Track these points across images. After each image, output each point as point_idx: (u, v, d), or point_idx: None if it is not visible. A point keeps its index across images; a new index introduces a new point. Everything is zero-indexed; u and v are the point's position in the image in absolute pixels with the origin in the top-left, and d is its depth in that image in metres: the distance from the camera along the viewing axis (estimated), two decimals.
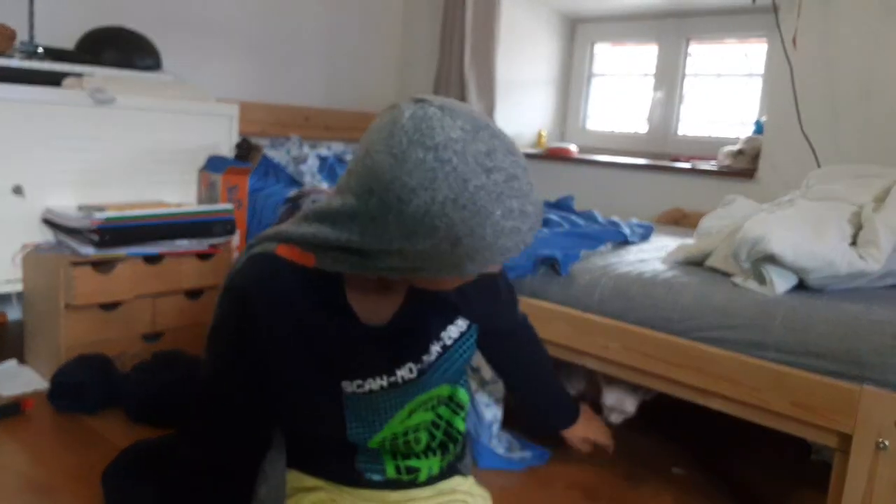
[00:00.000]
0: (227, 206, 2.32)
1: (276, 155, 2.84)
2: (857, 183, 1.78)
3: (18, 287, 2.11)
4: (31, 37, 2.28)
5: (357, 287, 0.91)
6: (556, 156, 3.39)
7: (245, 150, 2.65)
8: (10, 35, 2.13)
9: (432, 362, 0.97)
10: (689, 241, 1.95)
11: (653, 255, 1.90)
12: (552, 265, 1.79)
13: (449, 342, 0.99)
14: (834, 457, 1.35)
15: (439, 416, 1.02)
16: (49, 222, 2.10)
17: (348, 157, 3.19)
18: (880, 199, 1.67)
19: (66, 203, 2.13)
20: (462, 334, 1.01)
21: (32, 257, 2.07)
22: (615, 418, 1.86)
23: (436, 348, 0.98)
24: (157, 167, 2.35)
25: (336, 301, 0.90)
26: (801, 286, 1.53)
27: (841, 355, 1.33)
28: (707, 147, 3.18)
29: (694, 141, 3.30)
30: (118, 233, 2.02)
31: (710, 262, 1.73)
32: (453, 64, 3.41)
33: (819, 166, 2.43)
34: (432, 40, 3.58)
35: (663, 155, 3.28)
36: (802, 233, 1.50)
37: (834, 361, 1.33)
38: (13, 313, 2.32)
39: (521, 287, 1.81)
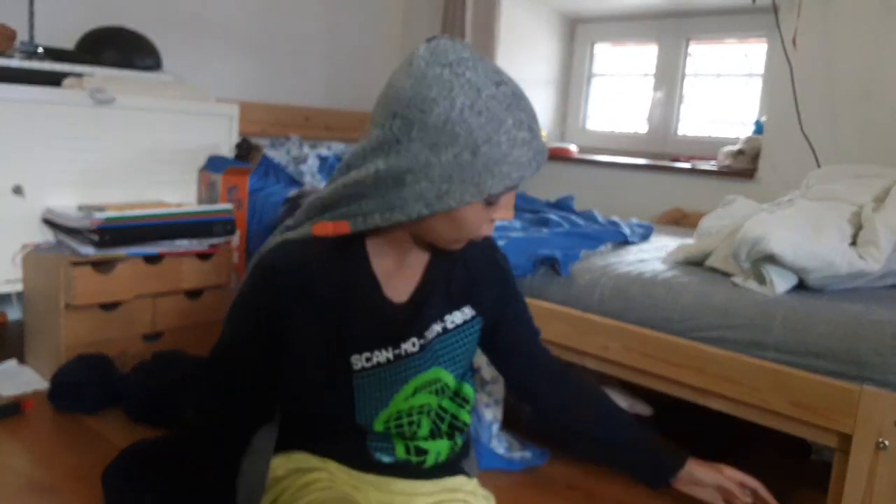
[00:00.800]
0: (227, 206, 2.32)
1: (276, 155, 2.84)
2: (856, 183, 1.78)
3: (18, 287, 2.11)
4: (32, 37, 2.28)
5: (381, 261, 0.96)
6: (556, 156, 3.39)
7: (245, 150, 2.65)
8: (11, 35, 2.13)
9: (431, 339, 1.00)
10: (689, 241, 1.95)
11: (653, 255, 1.90)
12: (552, 265, 1.79)
13: (451, 326, 1.02)
14: (834, 457, 1.35)
15: (443, 409, 1.04)
16: (49, 222, 2.10)
17: None
18: (880, 199, 1.67)
19: (67, 203, 2.13)
20: (465, 322, 1.04)
21: (32, 257, 2.07)
22: None
23: (437, 327, 1.01)
24: (157, 167, 2.36)
25: (363, 273, 0.95)
26: (801, 286, 1.53)
27: (841, 355, 1.33)
28: (707, 147, 3.18)
29: (694, 141, 3.31)
30: (118, 233, 2.02)
31: (710, 262, 1.73)
32: None
33: (819, 166, 2.43)
34: None
35: (663, 155, 3.28)
36: (802, 233, 1.50)
37: (834, 361, 1.33)
38: (13, 313, 2.32)
39: (521, 287, 1.80)
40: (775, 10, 2.59)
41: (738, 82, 3.25)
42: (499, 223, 2.11)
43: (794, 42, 2.54)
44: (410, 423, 1.01)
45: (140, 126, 2.28)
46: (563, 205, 2.45)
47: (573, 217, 2.26)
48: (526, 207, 2.43)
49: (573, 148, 3.47)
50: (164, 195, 2.38)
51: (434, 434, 1.03)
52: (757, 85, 3.16)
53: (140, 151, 2.30)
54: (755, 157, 2.79)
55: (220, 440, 0.98)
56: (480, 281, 1.05)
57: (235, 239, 2.38)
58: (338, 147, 3.20)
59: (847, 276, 1.51)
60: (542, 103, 3.77)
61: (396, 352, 0.97)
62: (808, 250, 1.47)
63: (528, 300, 1.77)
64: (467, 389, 1.06)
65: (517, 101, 0.85)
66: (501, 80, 0.85)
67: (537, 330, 1.17)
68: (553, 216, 2.21)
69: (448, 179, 0.83)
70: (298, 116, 3.26)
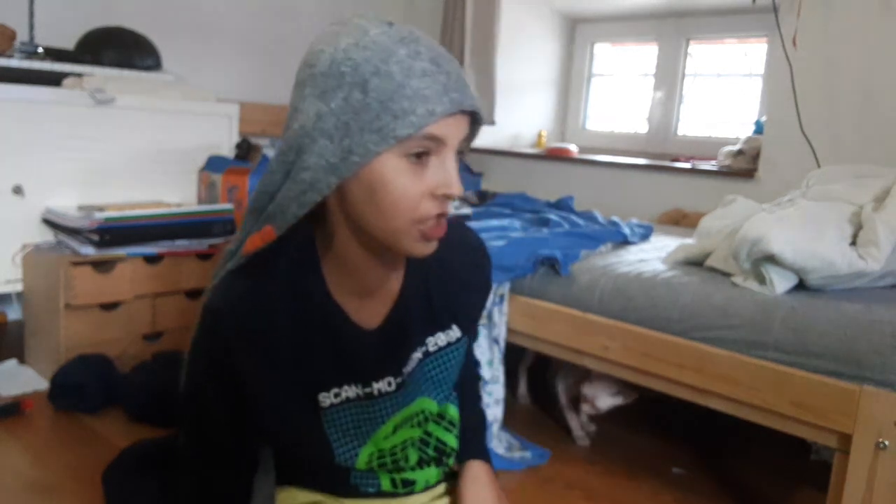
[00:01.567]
0: (227, 206, 2.32)
1: None
2: (856, 183, 1.78)
3: (18, 287, 2.11)
4: (32, 37, 2.28)
5: (341, 282, 0.84)
6: (556, 156, 3.39)
7: (245, 150, 2.65)
8: (11, 35, 2.14)
9: (411, 372, 0.90)
10: (689, 241, 1.95)
11: (653, 255, 1.90)
12: (552, 265, 1.79)
13: (433, 349, 0.92)
14: (834, 456, 1.34)
15: (428, 434, 0.95)
16: (49, 222, 2.10)
17: None
18: (880, 199, 1.67)
19: (66, 203, 2.14)
20: (450, 343, 0.94)
21: (32, 257, 2.07)
22: (587, 409, 1.87)
23: (417, 355, 0.90)
24: (157, 167, 2.36)
25: (321, 300, 0.84)
26: (801, 286, 1.53)
27: (841, 355, 1.33)
28: (707, 147, 3.18)
29: (694, 141, 3.31)
30: (118, 233, 2.02)
31: (710, 262, 1.73)
32: None
33: (819, 166, 2.43)
34: (432, 39, 3.58)
35: (663, 155, 3.28)
36: (802, 233, 1.50)
37: (834, 361, 1.33)
38: (13, 313, 2.32)
39: (521, 287, 1.81)
40: (775, 9, 2.59)
41: (738, 82, 3.25)
42: (497, 223, 2.11)
43: (794, 42, 2.54)
44: (395, 460, 0.93)
45: (140, 126, 2.29)
46: (563, 205, 2.45)
47: (573, 217, 2.26)
48: (526, 207, 2.43)
49: (573, 148, 3.47)
50: (164, 195, 2.38)
51: (422, 462, 0.95)
52: (757, 85, 3.16)
53: (140, 151, 2.31)
54: (755, 157, 2.79)
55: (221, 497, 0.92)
56: (465, 293, 0.94)
57: None
58: None
59: (847, 276, 1.51)
60: (542, 103, 3.77)
61: (367, 389, 0.87)
62: (808, 250, 1.47)
63: (528, 300, 1.78)
64: (452, 411, 0.96)
65: (413, 38, 0.74)
66: (395, 25, 0.75)
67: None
68: (553, 216, 2.21)
69: (346, 129, 0.72)
70: None
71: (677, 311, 1.55)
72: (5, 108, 1.99)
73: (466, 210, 2.54)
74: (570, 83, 3.81)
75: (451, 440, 0.96)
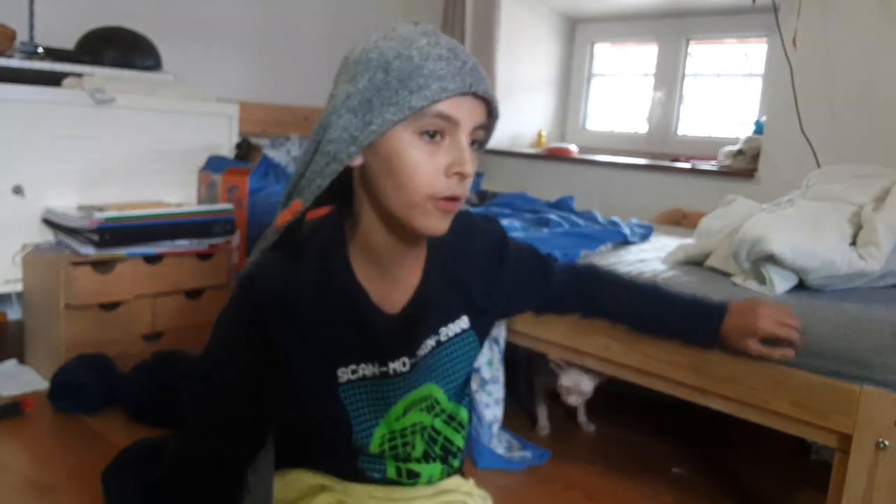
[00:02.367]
0: (227, 206, 2.32)
1: (277, 155, 2.84)
2: (856, 183, 1.78)
3: (18, 287, 2.12)
4: (32, 37, 2.28)
5: (366, 267, 0.90)
6: (556, 156, 3.39)
7: (245, 150, 2.65)
8: (11, 35, 2.14)
9: (424, 356, 0.95)
10: (689, 241, 1.95)
11: (653, 255, 1.90)
12: None
13: (444, 338, 0.97)
14: (834, 456, 1.34)
15: (436, 431, 1.00)
16: (49, 222, 2.10)
17: None
18: (880, 199, 1.67)
19: (67, 203, 2.14)
20: (457, 334, 0.98)
21: (32, 257, 2.08)
22: (574, 400, 1.86)
23: (430, 342, 0.96)
24: (157, 167, 2.36)
25: (346, 281, 0.89)
26: (801, 286, 1.53)
27: (841, 355, 1.32)
28: (707, 147, 3.18)
29: (694, 141, 3.31)
30: (118, 233, 2.02)
31: (710, 263, 1.73)
32: None
33: (819, 166, 2.43)
34: None
35: (663, 155, 3.28)
36: (802, 233, 1.50)
37: (834, 361, 1.33)
38: (13, 313, 2.32)
39: None
40: (775, 10, 2.59)
41: (738, 82, 3.25)
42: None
43: (794, 42, 2.54)
44: (405, 445, 0.97)
45: (140, 126, 2.29)
46: (563, 205, 2.45)
47: (573, 217, 2.26)
48: (526, 207, 2.43)
49: (573, 148, 3.47)
50: (164, 195, 2.38)
51: (427, 457, 1.00)
52: (757, 85, 3.16)
53: (140, 151, 2.31)
54: (755, 157, 2.79)
55: (228, 482, 0.94)
56: (476, 281, 0.99)
57: (235, 239, 2.38)
58: None
59: (847, 276, 1.51)
60: (542, 103, 3.77)
61: (383, 369, 0.92)
62: (808, 250, 1.47)
63: None
64: (463, 414, 1.02)
65: (435, 32, 0.84)
66: (421, 23, 0.85)
67: (549, 262, 1.18)
68: (553, 216, 2.21)
69: (368, 104, 0.80)
70: (298, 116, 3.26)
71: None
72: (5, 108, 1.99)
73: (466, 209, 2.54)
74: (571, 83, 3.81)
75: (459, 441, 1.02)
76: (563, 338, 1.71)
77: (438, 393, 0.98)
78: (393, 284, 0.92)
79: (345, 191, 0.88)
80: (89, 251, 1.99)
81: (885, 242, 1.52)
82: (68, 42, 2.38)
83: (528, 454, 1.80)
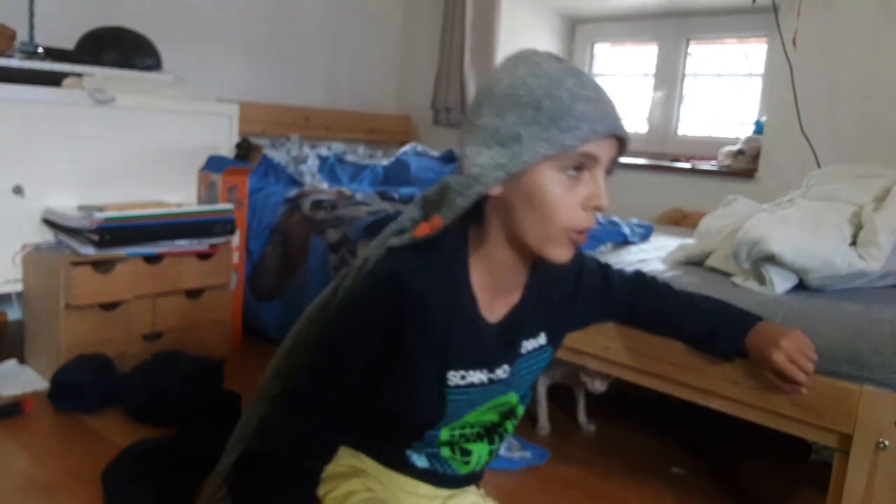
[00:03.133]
0: (227, 206, 2.32)
1: (277, 155, 2.84)
2: (856, 183, 1.78)
3: (18, 287, 2.11)
4: (31, 37, 2.29)
5: (480, 277, 0.96)
6: None
7: (245, 150, 2.65)
8: (11, 35, 2.13)
9: (516, 366, 1.03)
10: (690, 241, 1.95)
11: (653, 255, 1.91)
12: None
13: (524, 352, 1.04)
14: (834, 456, 1.35)
15: (499, 425, 1.07)
16: (49, 222, 2.10)
17: (348, 157, 3.20)
18: (880, 199, 1.67)
19: (67, 203, 2.14)
20: (536, 349, 1.06)
21: (32, 257, 2.08)
22: (598, 385, 1.86)
23: (519, 353, 1.03)
24: (158, 167, 2.36)
25: (463, 288, 0.95)
26: (801, 286, 1.53)
27: (841, 355, 1.33)
28: (707, 147, 3.18)
29: (694, 141, 3.31)
30: (118, 233, 2.02)
31: (710, 263, 1.73)
32: (453, 64, 3.41)
33: (819, 166, 2.44)
34: (432, 41, 3.58)
35: (663, 155, 3.28)
36: (802, 233, 1.50)
37: (834, 361, 1.33)
38: (13, 313, 2.32)
39: None
40: (775, 10, 2.59)
41: (738, 82, 3.25)
42: None
43: (794, 42, 2.54)
44: (467, 438, 1.04)
45: (140, 126, 2.29)
46: None
47: None
48: None
49: None
50: (164, 195, 2.38)
51: (479, 437, 1.06)
52: (757, 85, 3.16)
53: (140, 151, 2.31)
54: (755, 157, 2.79)
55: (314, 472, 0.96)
56: (560, 303, 1.08)
57: (235, 239, 2.38)
58: (338, 147, 3.21)
59: (847, 276, 1.51)
60: None
61: (491, 375, 0.99)
62: (808, 250, 1.47)
63: None
64: (521, 411, 1.09)
65: (579, 73, 0.89)
66: (564, 61, 0.90)
67: (613, 278, 1.24)
68: None
69: (517, 138, 0.85)
70: (298, 116, 3.26)
71: None
72: (5, 108, 1.99)
73: None
74: None
75: (511, 427, 1.09)
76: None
77: (514, 399, 1.06)
78: (499, 297, 0.99)
79: (471, 208, 0.93)
80: (89, 251, 1.99)
81: (885, 243, 1.52)
82: (68, 42, 2.38)
83: (527, 454, 1.81)
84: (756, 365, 1.29)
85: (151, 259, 2.12)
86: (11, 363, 2.11)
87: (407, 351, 0.91)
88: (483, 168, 0.87)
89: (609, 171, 0.92)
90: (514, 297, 1.00)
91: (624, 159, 0.96)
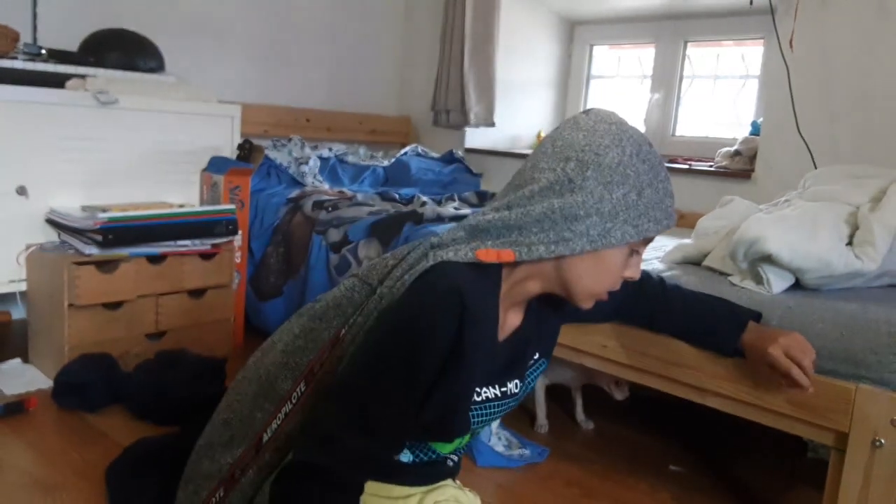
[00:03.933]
0: (230, 206, 2.33)
1: (278, 156, 2.86)
2: (853, 183, 1.79)
3: (22, 287, 2.13)
4: (35, 39, 2.30)
5: (504, 302, 1.01)
6: None
7: (247, 150, 2.67)
8: (14, 37, 2.15)
9: (525, 379, 1.10)
10: (687, 241, 1.96)
11: (651, 254, 1.92)
12: None
13: (527, 368, 1.11)
14: (830, 454, 1.36)
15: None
16: (53, 222, 2.12)
17: (349, 158, 3.21)
18: (877, 200, 1.68)
19: (70, 203, 2.15)
20: (531, 364, 1.12)
21: (36, 257, 2.09)
22: (621, 394, 1.89)
23: (526, 369, 1.10)
24: (160, 168, 2.37)
25: (492, 308, 0.99)
26: (798, 286, 1.54)
27: (837, 354, 1.34)
28: (704, 148, 3.20)
29: (691, 142, 3.32)
30: (121, 233, 2.03)
31: (707, 262, 1.74)
32: (453, 66, 3.43)
33: (815, 167, 2.45)
34: (432, 42, 3.59)
35: (661, 156, 3.29)
36: (799, 233, 1.51)
37: (830, 360, 1.34)
38: (17, 312, 2.33)
39: None
40: (772, 12, 2.61)
41: (735, 84, 3.27)
42: None
43: (790, 44, 2.55)
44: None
45: (143, 127, 2.30)
46: None
47: None
48: None
49: None
50: (166, 196, 2.39)
51: None
52: (753, 86, 3.17)
53: (143, 152, 2.32)
54: (752, 157, 2.80)
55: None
56: (557, 321, 1.17)
57: (238, 239, 2.39)
58: (339, 148, 3.22)
59: (843, 276, 1.52)
60: (541, 105, 3.78)
61: (503, 389, 1.04)
62: (804, 250, 1.48)
63: None
64: None
65: (662, 161, 0.98)
66: (649, 142, 0.98)
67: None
68: None
69: (614, 217, 0.92)
70: (300, 118, 3.28)
71: None
72: (9, 109, 2.01)
73: (466, 210, 2.56)
74: (569, 85, 3.83)
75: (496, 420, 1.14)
76: (561, 337, 1.71)
77: (515, 404, 1.11)
78: (508, 318, 1.04)
79: None
80: (93, 251, 2.01)
81: (882, 243, 1.53)
82: (71, 44, 2.39)
83: (527, 452, 1.82)
84: (753, 362, 1.31)
85: (154, 259, 2.13)
86: (15, 362, 2.12)
87: (457, 366, 0.91)
88: (575, 235, 0.92)
89: None
90: (515, 321, 1.05)
91: None
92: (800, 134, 2.56)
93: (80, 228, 2.02)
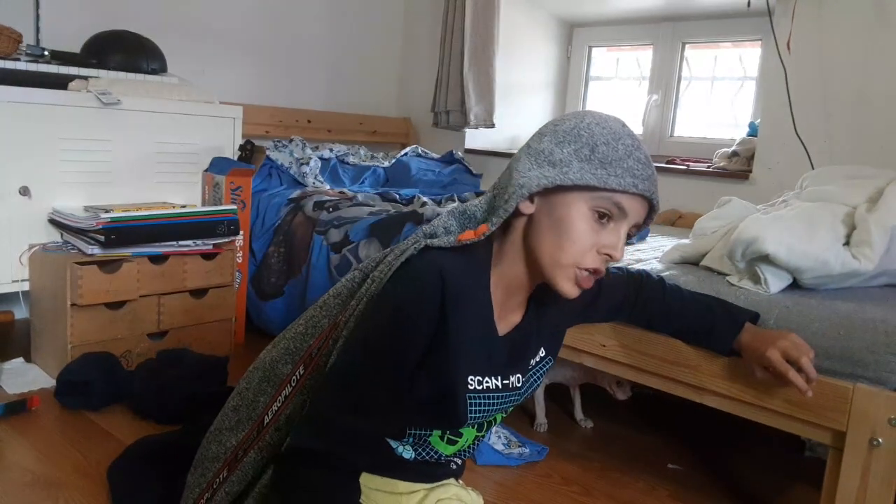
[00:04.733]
0: (231, 206, 2.34)
1: (279, 156, 2.87)
2: (850, 184, 1.79)
3: (25, 286, 2.13)
4: (38, 40, 2.31)
5: (496, 291, 1.00)
6: None
7: (248, 151, 2.68)
8: (17, 38, 2.16)
9: (528, 376, 1.09)
10: (685, 241, 1.97)
11: (649, 254, 1.93)
12: None
13: (531, 366, 1.11)
14: (828, 453, 1.36)
15: (493, 418, 1.11)
16: (55, 222, 2.13)
17: (350, 159, 3.22)
18: (873, 200, 1.68)
19: (73, 204, 2.16)
20: (537, 362, 1.12)
21: (39, 257, 2.10)
22: (623, 394, 1.90)
23: (528, 367, 1.10)
24: (162, 168, 2.38)
25: (484, 298, 0.99)
26: (795, 286, 1.55)
27: (835, 353, 1.34)
28: (702, 149, 3.21)
29: (689, 143, 3.34)
30: (123, 233, 2.04)
31: (705, 262, 1.75)
32: (453, 67, 3.44)
33: (812, 168, 2.46)
34: (432, 44, 3.60)
35: (659, 157, 3.30)
36: (796, 233, 1.51)
37: (827, 359, 1.35)
38: (20, 312, 2.34)
39: None
40: (770, 14, 2.62)
41: (733, 85, 3.28)
42: None
43: (788, 46, 2.57)
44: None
45: (145, 128, 2.31)
46: None
47: None
48: None
49: None
50: (168, 196, 2.40)
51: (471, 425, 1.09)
52: (751, 88, 3.19)
53: (145, 153, 2.33)
54: (750, 158, 2.82)
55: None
56: (562, 322, 1.17)
57: (239, 239, 2.40)
58: (339, 149, 3.23)
59: (840, 276, 1.52)
60: (541, 106, 3.80)
61: (505, 381, 1.04)
62: (802, 250, 1.48)
63: None
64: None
65: (638, 139, 0.96)
66: (628, 129, 0.96)
67: (626, 277, 1.34)
68: None
69: (568, 163, 0.92)
70: (301, 119, 3.29)
71: None
72: (12, 110, 2.02)
73: None
74: (568, 86, 3.84)
75: (500, 419, 1.14)
76: None
77: (519, 399, 1.10)
78: (504, 314, 1.04)
79: (503, 226, 0.99)
80: (95, 251, 2.02)
81: (878, 243, 1.54)
82: (74, 45, 2.41)
83: (526, 450, 1.83)
84: (748, 363, 1.31)
85: (156, 259, 2.14)
86: (18, 361, 2.13)
87: (441, 348, 0.94)
88: (529, 179, 0.92)
89: (631, 235, 0.98)
90: (516, 318, 1.05)
91: None
92: (797, 135, 2.57)
93: (82, 228, 2.03)
